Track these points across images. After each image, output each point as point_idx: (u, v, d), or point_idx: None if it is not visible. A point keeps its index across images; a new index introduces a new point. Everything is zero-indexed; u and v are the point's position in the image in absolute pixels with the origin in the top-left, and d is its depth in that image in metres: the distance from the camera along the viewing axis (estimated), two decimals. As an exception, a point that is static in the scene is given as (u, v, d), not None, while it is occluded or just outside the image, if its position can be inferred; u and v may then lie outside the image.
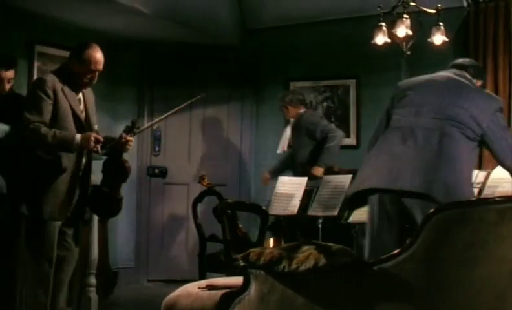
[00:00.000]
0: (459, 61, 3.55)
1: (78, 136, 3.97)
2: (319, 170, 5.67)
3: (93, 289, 4.80)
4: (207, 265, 5.12)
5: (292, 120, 6.03)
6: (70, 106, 4.01)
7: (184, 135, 6.94)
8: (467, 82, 3.35)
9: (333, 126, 6.02)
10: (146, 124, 4.51)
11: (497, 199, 2.24)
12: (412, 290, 2.16)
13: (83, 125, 4.06)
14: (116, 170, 4.18)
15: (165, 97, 6.45)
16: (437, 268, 2.13)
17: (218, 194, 5.27)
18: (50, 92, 3.93)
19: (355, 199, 3.36)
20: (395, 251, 2.21)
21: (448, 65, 3.53)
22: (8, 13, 5.30)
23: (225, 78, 6.91)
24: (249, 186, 6.87)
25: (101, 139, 4.01)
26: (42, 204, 3.94)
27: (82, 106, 4.13)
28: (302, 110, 6.03)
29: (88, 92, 4.21)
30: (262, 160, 6.71)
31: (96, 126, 4.20)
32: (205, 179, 5.45)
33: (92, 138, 3.96)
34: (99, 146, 4.02)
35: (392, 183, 3.11)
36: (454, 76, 3.36)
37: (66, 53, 5.33)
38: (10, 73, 4.30)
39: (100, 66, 4.07)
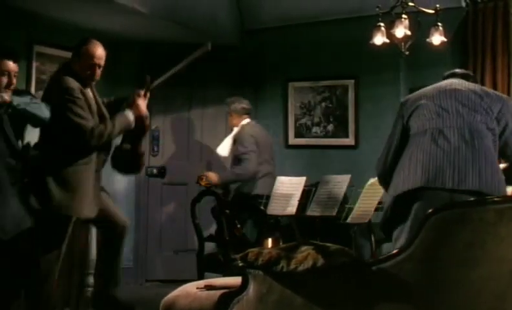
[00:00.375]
0: (459, 71, 3.54)
1: (128, 111, 4.09)
2: (212, 176, 5.64)
3: (92, 288, 4.79)
4: (205, 265, 5.12)
5: (235, 129, 5.94)
6: (90, 104, 4.04)
7: (183, 135, 6.94)
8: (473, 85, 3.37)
9: (251, 158, 5.72)
10: (158, 81, 4.55)
11: (496, 199, 2.25)
12: (411, 290, 2.16)
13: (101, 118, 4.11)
14: (135, 126, 4.19)
15: (165, 97, 6.43)
16: (436, 268, 2.13)
17: (217, 194, 5.27)
18: (81, 96, 3.97)
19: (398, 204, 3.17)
20: (394, 251, 2.21)
21: (443, 75, 3.50)
22: (8, 13, 5.29)
23: (225, 78, 6.91)
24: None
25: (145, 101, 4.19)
26: (71, 202, 3.94)
27: (94, 101, 4.15)
28: (245, 121, 5.94)
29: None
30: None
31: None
32: (204, 179, 5.45)
33: (141, 102, 4.13)
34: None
35: (435, 183, 3.03)
36: (460, 80, 3.36)
37: (65, 54, 5.35)
38: (15, 67, 4.01)
39: (99, 60, 4.06)
